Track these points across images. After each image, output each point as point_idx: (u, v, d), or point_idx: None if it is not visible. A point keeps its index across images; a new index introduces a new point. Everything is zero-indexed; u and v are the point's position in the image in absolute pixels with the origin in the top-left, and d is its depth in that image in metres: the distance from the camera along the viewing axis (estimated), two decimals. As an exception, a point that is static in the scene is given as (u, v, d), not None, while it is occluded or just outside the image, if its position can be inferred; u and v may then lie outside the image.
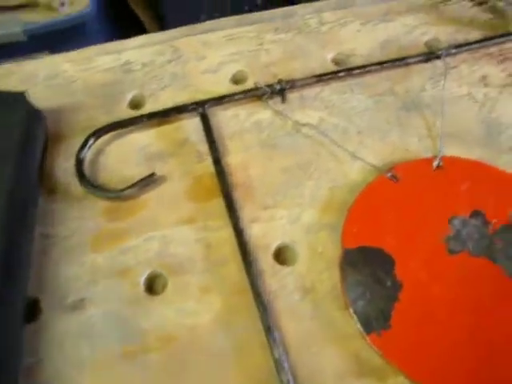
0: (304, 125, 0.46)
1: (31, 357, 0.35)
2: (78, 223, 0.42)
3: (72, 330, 0.37)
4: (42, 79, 0.51)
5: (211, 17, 1.39)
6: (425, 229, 0.40)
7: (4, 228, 0.36)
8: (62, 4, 1.20)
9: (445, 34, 0.54)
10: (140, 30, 1.52)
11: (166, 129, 0.47)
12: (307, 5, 0.55)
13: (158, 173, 0.44)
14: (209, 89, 0.49)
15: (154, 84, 0.50)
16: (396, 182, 0.42)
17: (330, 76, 0.48)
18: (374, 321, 0.36)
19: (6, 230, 0.37)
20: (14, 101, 0.44)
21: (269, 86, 0.47)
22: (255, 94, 0.47)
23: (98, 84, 0.51)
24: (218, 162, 0.43)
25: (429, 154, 0.44)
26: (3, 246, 0.35)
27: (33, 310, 0.38)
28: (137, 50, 0.53)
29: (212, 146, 0.44)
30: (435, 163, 0.43)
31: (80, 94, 0.50)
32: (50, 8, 1.21)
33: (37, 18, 1.23)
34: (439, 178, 0.43)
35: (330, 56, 0.52)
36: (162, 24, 1.56)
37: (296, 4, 0.56)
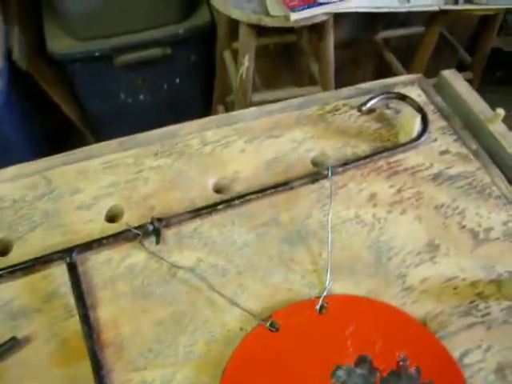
0: (180, 268, 0.43)
1: None
2: None
3: None
4: None
5: (132, 96, 1.35)
6: (306, 385, 0.37)
7: None
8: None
9: (332, 148, 0.52)
10: (58, 115, 1.48)
11: (33, 279, 0.43)
12: (190, 123, 0.53)
13: (21, 335, 0.40)
14: (82, 228, 0.46)
15: (23, 225, 0.46)
16: (275, 331, 0.39)
17: (208, 210, 0.45)
18: None
19: None
20: None
21: (141, 226, 0.43)
22: (127, 237, 0.44)
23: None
24: (85, 318, 0.40)
25: (314, 293, 0.42)
26: None
27: None
28: (7, 183, 0.49)
29: (79, 301, 0.40)
30: (318, 305, 0.40)
31: None
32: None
33: None
34: (323, 322, 0.40)
35: (211, 181, 0.49)
36: (81, 105, 1.54)
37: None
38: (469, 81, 0.59)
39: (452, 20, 1.21)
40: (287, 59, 1.62)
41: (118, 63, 1.42)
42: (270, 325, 0.39)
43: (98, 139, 1.62)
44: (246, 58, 1.13)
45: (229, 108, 1.52)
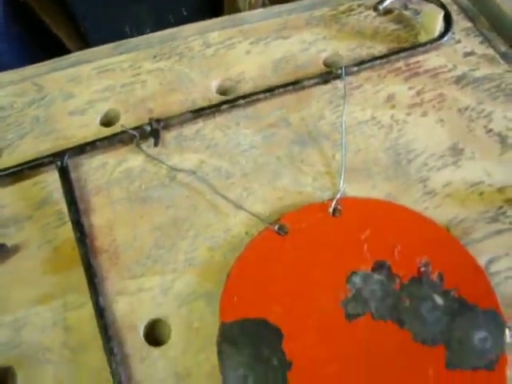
0: (180, 170, 0.39)
1: None
2: None
3: None
4: None
5: (137, 29, 1.32)
6: (319, 292, 0.34)
7: None
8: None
9: (346, 49, 0.48)
10: (57, 47, 1.44)
11: (23, 186, 0.40)
12: (191, 25, 0.48)
13: (10, 242, 0.37)
14: (75, 134, 0.43)
15: (12, 132, 0.43)
16: (284, 235, 0.36)
17: (211, 110, 0.41)
18: (258, 413, 0.30)
19: None
20: None
21: (138, 127, 0.40)
22: (123, 139, 0.40)
23: None
24: (77, 224, 0.37)
25: (326, 196, 0.38)
26: None
27: None
28: (-5, 89, 0.46)
29: (71, 206, 0.37)
30: (331, 208, 0.37)
31: None
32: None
33: None
34: (336, 225, 0.37)
35: (214, 84, 0.45)
36: (85, 40, 1.49)
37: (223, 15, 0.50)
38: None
39: None
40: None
41: (125, -6, 1.37)
42: (279, 228, 0.36)
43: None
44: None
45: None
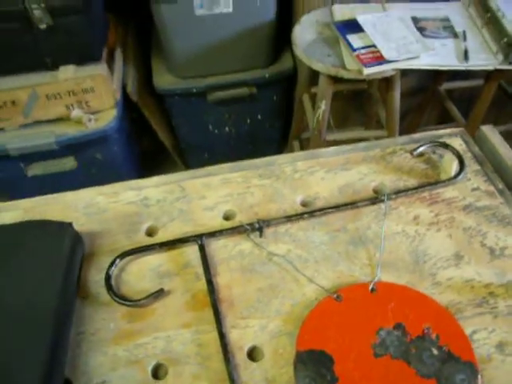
0: (275, 255, 0.62)
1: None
2: (103, 323, 0.57)
3: (95, 404, 0.52)
4: (81, 208, 0.68)
5: (218, 128, 1.58)
6: (358, 337, 0.55)
7: (54, 327, 0.52)
8: (90, 119, 1.41)
9: (389, 181, 0.70)
10: (152, 139, 1.71)
11: (173, 254, 0.63)
12: (286, 156, 0.72)
13: (166, 288, 0.59)
14: (206, 223, 0.65)
15: (165, 217, 0.66)
16: (340, 301, 0.57)
17: (297, 217, 0.64)
18: (316, 406, 0.50)
19: (54, 329, 0.52)
20: (64, 228, 0.61)
21: (250, 224, 0.63)
22: (240, 230, 0.63)
23: (122, 214, 0.67)
24: (209, 282, 0.59)
25: (368, 280, 0.60)
26: (52, 341, 0.51)
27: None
28: (153, 188, 0.70)
29: (206, 270, 0.59)
30: (370, 287, 0.58)
31: (108, 222, 0.67)
32: (79, 122, 1.42)
33: (67, 131, 1.44)
34: (373, 298, 0.58)
35: (299, 198, 0.68)
36: (174, 133, 1.77)
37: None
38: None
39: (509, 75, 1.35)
40: (357, 103, 1.81)
41: (210, 99, 1.64)
42: (337, 297, 0.57)
43: (185, 164, 1.86)
44: (323, 102, 1.33)
45: (303, 144, 1.71)
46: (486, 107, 1.44)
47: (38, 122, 1.48)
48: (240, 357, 0.54)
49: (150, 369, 0.53)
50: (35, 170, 1.57)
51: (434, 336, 0.55)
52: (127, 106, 1.56)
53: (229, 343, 0.55)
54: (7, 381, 0.47)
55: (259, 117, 1.79)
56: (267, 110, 1.78)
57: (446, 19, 1.37)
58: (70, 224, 0.61)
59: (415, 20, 1.35)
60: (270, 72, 1.64)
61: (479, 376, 0.52)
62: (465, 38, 1.31)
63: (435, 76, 1.69)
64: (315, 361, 0.53)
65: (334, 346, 0.54)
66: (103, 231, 0.65)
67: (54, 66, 1.41)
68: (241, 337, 0.55)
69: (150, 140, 1.80)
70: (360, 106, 1.81)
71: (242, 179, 0.70)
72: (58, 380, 0.51)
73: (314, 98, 1.44)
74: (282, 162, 0.72)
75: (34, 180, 1.58)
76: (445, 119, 1.85)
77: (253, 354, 0.55)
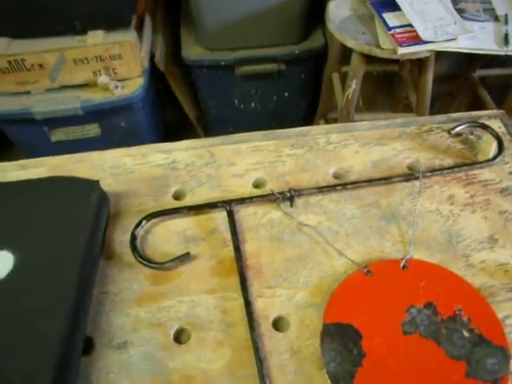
0: (305, 225, 0.60)
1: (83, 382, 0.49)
2: (127, 284, 0.56)
3: (115, 364, 0.51)
4: (107, 168, 0.67)
5: (244, 103, 1.57)
6: (387, 314, 0.53)
7: (76, 286, 0.51)
8: (116, 87, 1.40)
9: (424, 158, 0.68)
10: (176, 110, 1.70)
11: (201, 218, 0.62)
12: (319, 127, 0.71)
13: (192, 252, 0.58)
14: (235, 190, 0.64)
15: (193, 181, 0.65)
16: (370, 276, 0.56)
17: (329, 188, 0.63)
18: (342, 380, 0.49)
19: (78, 287, 0.51)
20: (91, 186, 0.60)
21: (281, 193, 0.61)
22: (270, 199, 0.62)
23: (149, 176, 0.66)
24: (237, 249, 0.57)
25: (399, 256, 0.58)
26: (75, 299, 0.50)
27: (88, 346, 0.52)
28: (182, 151, 0.68)
29: (234, 236, 0.58)
30: (402, 264, 0.56)
31: (135, 183, 0.65)
32: (105, 88, 1.41)
33: (93, 97, 1.44)
34: (404, 275, 0.56)
35: (331, 170, 0.66)
36: (199, 106, 1.76)
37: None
38: None
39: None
40: (386, 86, 1.78)
41: (238, 73, 1.63)
42: (367, 271, 0.56)
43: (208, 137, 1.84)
44: (354, 81, 1.30)
45: (330, 124, 1.69)
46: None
47: (64, 87, 1.47)
48: (265, 326, 0.53)
49: (172, 332, 0.53)
50: (59, 135, 1.56)
51: (465, 318, 0.53)
52: (154, 75, 1.55)
53: (254, 311, 0.53)
54: (30, 338, 0.47)
55: (286, 94, 1.76)
56: (294, 88, 1.76)
57: (488, 1, 1.34)
58: (98, 182, 0.60)
59: (454, 1, 1.32)
60: (300, 49, 1.61)
61: (511, 361, 0.50)
62: (506, 22, 1.27)
63: (469, 62, 1.65)
64: (342, 334, 0.52)
65: (362, 321, 0.52)
66: (129, 192, 0.65)
67: (83, 31, 1.40)
68: (267, 306, 0.54)
69: (174, 112, 1.79)
70: (389, 89, 1.78)
71: (273, 147, 0.69)
72: (79, 338, 0.50)
73: (343, 78, 1.41)
74: (315, 133, 0.71)
75: (56, 145, 1.57)
76: (475, 107, 1.81)
77: (278, 324, 0.54)
